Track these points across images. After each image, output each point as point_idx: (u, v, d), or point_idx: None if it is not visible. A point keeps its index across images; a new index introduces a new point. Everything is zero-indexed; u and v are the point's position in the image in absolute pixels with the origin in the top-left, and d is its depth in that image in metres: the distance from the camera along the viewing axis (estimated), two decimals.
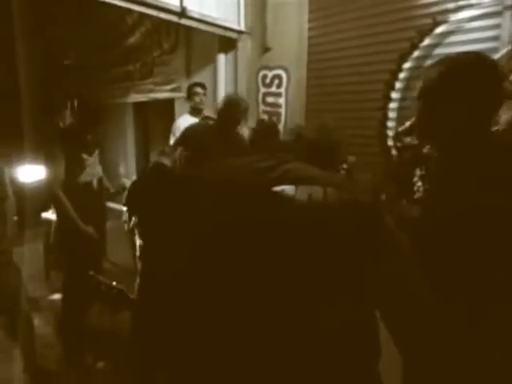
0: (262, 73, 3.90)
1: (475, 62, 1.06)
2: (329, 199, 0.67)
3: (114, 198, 3.14)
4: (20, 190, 3.12)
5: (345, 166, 2.52)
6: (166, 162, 2.45)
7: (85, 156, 2.48)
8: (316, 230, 0.66)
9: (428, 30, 2.81)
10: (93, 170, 2.56)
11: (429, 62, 2.82)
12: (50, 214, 3.63)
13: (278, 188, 0.69)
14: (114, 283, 1.37)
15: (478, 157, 1.00)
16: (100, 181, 2.66)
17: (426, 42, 2.84)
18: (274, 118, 3.81)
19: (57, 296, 3.26)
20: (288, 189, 0.68)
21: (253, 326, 0.66)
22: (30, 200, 3.45)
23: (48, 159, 2.42)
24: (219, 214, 0.70)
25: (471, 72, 1.05)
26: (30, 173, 3.94)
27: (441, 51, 2.77)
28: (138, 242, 2.79)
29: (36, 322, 2.51)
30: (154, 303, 0.80)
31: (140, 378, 0.80)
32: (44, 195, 3.07)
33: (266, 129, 2.66)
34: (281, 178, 0.71)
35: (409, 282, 0.68)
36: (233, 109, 2.36)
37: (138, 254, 2.81)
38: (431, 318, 0.67)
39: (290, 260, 0.65)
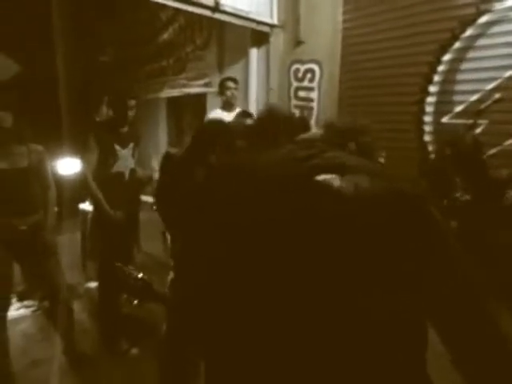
0: (294, 67, 3.87)
1: None
2: (377, 189, 0.65)
3: (145, 188, 3.23)
4: (59, 182, 3.25)
5: (383, 154, 2.45)
6: (173, 150, 2.52)
7: (117, 147, 2.59)
8: (365, 221, 0.63)
9: (471, 20, 2.69)
10: (125, 161, 2.66)
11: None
12: (86, 205, 3.76)
13: (320, 177, 0.65)
14: (141, 275, 1.37)
15: None
16: (132, 172, 2.74)
17: (469, 32, 2.71)
18: (306, 112, 3.77)
19: (93, 284, 3.39)
20: (331, 178, 0.65)
21: (301, 323, 0.63)
22: (68, 191, 3.58)
23: (82, 148, 2.58)
24: (259, 205, 0.67)
25: None
26: (69, 165, 4.10)
27: (484, 42, 2.65)
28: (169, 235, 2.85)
29: (74, 308, 2.61)
30: (191, 301, 0.78)
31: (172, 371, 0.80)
32: (80, 186, 3.21)
33: (298, 122, 2.62)
34: (321, 166, 0.67)
35: (463, 273, 0.64)
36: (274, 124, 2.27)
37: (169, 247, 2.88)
38: (491, 313, 0.64)
39: (338, 253, 0.62)
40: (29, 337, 2.68)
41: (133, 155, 2.75)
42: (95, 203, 2.63)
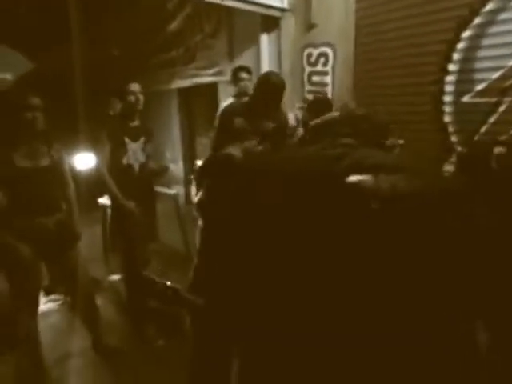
0: (306, 51, 3.78)
1: None
2: (414, 188, 0.62)
3: (157, 178, 3.27)
4: (77, 177, 3.28)
5: (401, 141, 2.36)
6: (236, 152, 2.42)
7: (127, 140, 2.64)
8: (403, 222, 0.60)
9: None
10: (135, 154, 2.71)
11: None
12: (105, 200, 3.81)
13: (353, 178, 0.63)
14: (169, 283, 1.39)
15: None
16: (143, 166, 2.78)
17: (489, 6, 2.60)
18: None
19: (116, 277, 3.45)
20: (365, 179, 0.62)
21: (329, 336, 0.62)
22: (86, 186, 3.63)
23: (95, 143, 2.69)
24: (292, 208, 0.65)
25: None
26: (85, 160, 4.14)
27: (506, 16, 2.53)
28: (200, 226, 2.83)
29: (98, 302, 2.67)
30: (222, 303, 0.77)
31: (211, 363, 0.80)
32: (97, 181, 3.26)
33: (320, 104, 2.58)
34: (354, 167, 0.65)
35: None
36: (270, 87, 2.35)
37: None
38: None
39: (378, 261, 0.59)
40: (58, 330, 2.76)
41: (143, 150, 2.77)
42: (111, 196, 2.70)
